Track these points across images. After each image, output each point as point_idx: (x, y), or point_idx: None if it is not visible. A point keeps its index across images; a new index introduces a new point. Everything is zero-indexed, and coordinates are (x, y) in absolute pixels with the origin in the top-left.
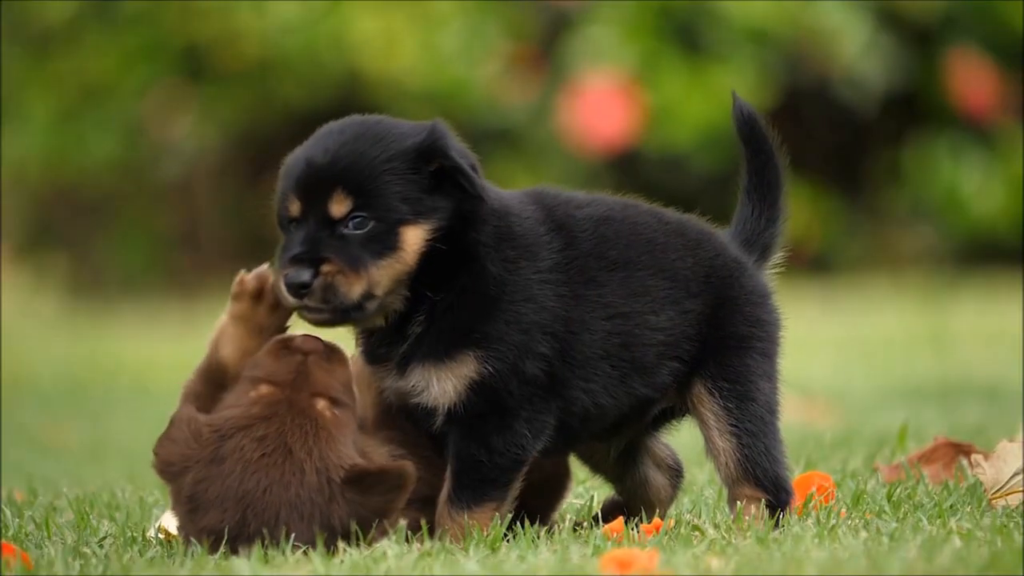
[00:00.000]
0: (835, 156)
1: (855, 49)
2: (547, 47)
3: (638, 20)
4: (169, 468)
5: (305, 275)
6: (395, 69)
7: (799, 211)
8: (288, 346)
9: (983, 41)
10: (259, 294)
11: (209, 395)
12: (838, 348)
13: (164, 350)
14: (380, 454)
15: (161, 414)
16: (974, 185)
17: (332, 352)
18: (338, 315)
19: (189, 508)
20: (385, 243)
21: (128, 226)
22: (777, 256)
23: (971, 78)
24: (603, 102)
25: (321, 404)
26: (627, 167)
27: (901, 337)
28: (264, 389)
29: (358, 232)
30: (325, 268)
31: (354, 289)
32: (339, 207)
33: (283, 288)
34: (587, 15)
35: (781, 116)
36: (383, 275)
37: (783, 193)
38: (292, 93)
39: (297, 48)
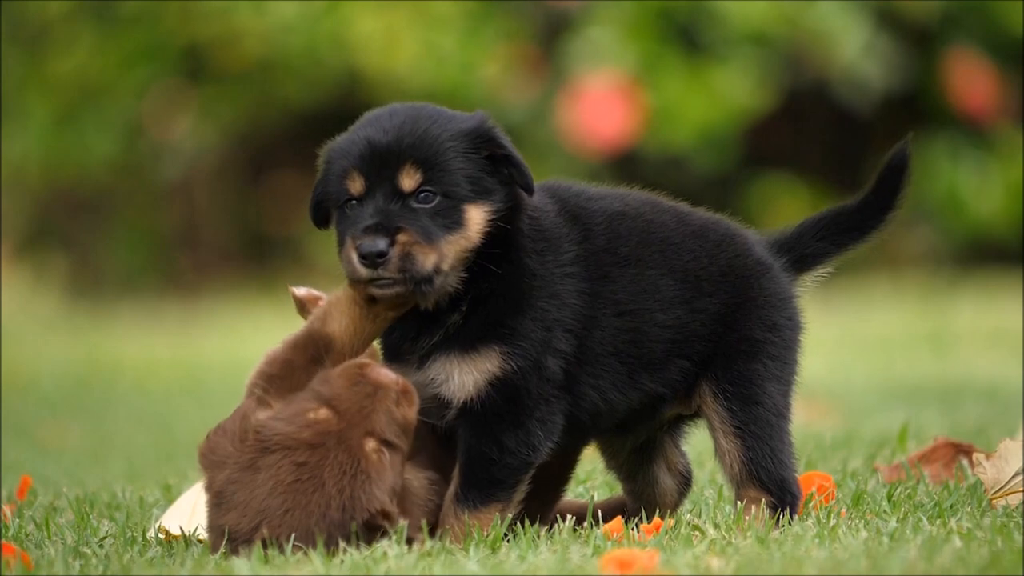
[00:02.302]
0: (835, 156)
1: (854, 50)
2: (547, 47)
3: (638, 20)
4: (210, 456)
5: (381, 243)
6: (395, 69)
7: (798, 212)
8: (364, 374)
9: (982, 42)
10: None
11: (302, 366)
12: (838, 348)
13: (164, 350)
14: (419, 479)
15: (161, 414)
16: (973, 186)
17: (405, 392)
18: (410, 287)
19: (215, 502)
20: (452, 219)
21: (128, 226)
22: (818, 271)
23: (970, 79)
24: (603, 102)
25: (371, 445)
26: (627, 167)
27: (901, 337)
28: (323, 413)
29: (426, 206)
30: (402, 238)
31: (429, 259)
32: (409, 180)
33: (355, 259)
34: (587, 15)
35: (781, 117)
36: (451, 250)
37: (861, 237)
38: (292, 93)
39: (297, 48)
